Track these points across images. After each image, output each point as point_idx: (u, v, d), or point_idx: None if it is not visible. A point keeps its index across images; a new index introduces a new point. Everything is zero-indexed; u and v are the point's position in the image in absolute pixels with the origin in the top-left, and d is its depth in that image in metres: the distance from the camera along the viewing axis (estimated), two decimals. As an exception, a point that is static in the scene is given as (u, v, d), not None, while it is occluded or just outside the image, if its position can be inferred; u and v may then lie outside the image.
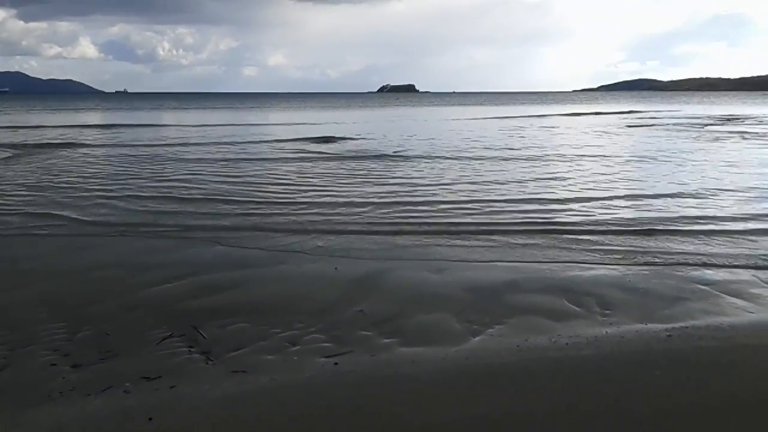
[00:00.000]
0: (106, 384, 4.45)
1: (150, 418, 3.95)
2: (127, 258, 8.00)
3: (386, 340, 5.29)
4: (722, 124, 39.77)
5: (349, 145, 26.43)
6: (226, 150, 24.40)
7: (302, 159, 20.96)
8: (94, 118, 56.17)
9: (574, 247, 8.47)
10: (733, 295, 6.39)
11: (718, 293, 6.46)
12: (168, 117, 60.46)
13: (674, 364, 4.68)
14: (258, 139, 29.80)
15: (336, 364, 4.79)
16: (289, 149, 24.79)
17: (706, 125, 38.78)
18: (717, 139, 28.04)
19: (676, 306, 6.09)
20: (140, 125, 43.21)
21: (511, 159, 20.18)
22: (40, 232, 9.66)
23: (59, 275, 7.26)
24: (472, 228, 9.70)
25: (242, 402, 4.19)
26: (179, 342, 5.26)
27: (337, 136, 31.10)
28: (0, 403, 4.25)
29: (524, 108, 78.84)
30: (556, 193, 13.14)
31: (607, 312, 5.95)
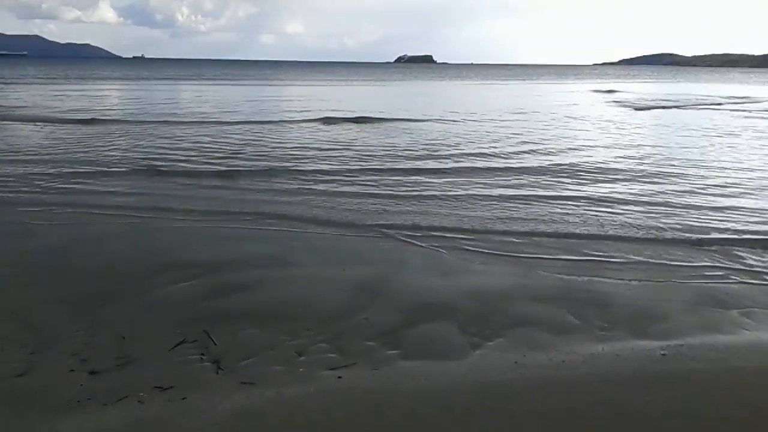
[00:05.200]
0: (122, 393, 4.69)
1: (162, 433, 4.18)
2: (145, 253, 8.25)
3: (389, 352, 5.46)
4: None
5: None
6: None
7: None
8: (87, 97, 41.54)
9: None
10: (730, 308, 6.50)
11: (716, 308, 6.57)
12: (195, 95, 44.76)
13: (666, 389, 4.83)
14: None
15: (340, 377, 5.00)
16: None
17: None
18: None
19: (674, 320, 6.21)
20: (145, 122, 25.48)
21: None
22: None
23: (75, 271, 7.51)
24: None
25: (249, 417, 4.42)
26: (191, 349, 5.48)
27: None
28: (20, 410, 4.50)
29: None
30: None
31: (606, 326, 6.09)
